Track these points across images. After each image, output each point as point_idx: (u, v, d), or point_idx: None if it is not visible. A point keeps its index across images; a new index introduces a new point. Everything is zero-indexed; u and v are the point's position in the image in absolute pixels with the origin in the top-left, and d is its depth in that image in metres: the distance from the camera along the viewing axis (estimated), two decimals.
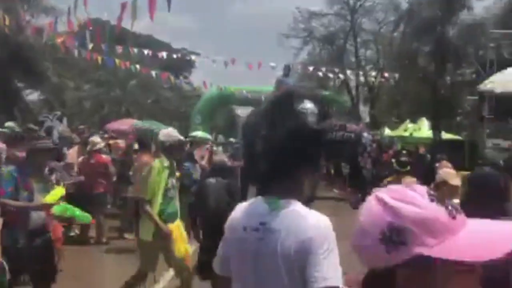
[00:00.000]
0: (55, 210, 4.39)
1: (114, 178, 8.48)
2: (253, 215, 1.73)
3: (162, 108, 24.60)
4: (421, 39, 18.10)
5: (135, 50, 13.95)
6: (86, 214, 6.15)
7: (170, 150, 4.75)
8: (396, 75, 18.90)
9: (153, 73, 15.22)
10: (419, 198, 0.90)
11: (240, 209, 1.81)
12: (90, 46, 12.07)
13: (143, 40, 26.41)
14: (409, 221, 0.87)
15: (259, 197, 1.76)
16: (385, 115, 27.21)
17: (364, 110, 27.82)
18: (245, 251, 1.72)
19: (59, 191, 4.22)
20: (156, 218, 4.47)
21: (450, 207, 0.89)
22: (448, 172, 4.60)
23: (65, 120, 10.39)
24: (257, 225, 1.70)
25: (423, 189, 0.93)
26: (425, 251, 0.86)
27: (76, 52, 12.69)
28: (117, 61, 13.71)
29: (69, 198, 5.43)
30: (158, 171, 4.57)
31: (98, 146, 8.11)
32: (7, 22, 9.90)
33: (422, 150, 14.98)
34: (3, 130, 8.94)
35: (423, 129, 18.55)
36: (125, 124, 15.64)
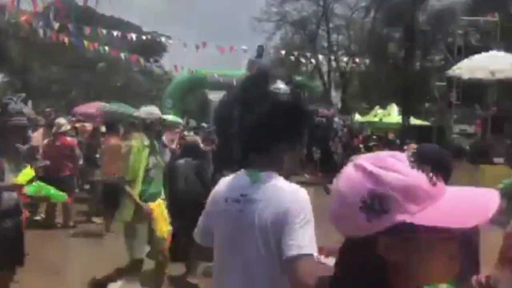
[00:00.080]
0: (29, 190, 4.23)
1: (81, 162, 8.31)
2: (235, 188, 1.77)
3: (132, 91, 24.19)
4: (391, 25, 18.25)
5: (104, 31, 13.59)
6: (61, 193, 6.01)
7: (151, 128, 4.57)
8: (367, 61, 19.03)
9: (122, 55, 14.87)
10: (400, 165, 0.88)
11: (223, 182, 1.85)
12: (56, 26, 11.69)
13: (113, 23, 25.82)
14: (391, 188, 0.85)
15: (242, 170, 1.81)
16: (356, 100, 27.49)
17: (336, 96, 28.04)
18: (226, 223, 1.76)
19: (30, 172, 4.03)
20: (136, 197, 4.34)
21: (430, 174, 0.88)
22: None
23: (30, 102, 10.09)
24: (238, 197, 1.74)
25: (403, 155, 0.91)
26: (407, 218, 0.84)
27: (41, 32, 12.28)
28: (85, 42, 13.34)
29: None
30: (138, 150, 4.42)
31: (63, 128, 7.91)
32: None
33: (391, 135, 15.21)
34: None
35: (393, 114, 18.83)
36: (94, 107, 15.32)
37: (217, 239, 1.82)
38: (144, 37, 14.79)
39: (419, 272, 0.87)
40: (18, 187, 3.85)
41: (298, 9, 26.51)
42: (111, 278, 4.59)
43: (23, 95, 4.32)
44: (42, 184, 5.05)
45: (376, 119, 18.87)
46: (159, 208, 4.47)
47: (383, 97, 21.54)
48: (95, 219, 8.24)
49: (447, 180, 0.91)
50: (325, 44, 26.81)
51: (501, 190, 2.83)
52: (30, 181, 4.02)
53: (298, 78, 18.64)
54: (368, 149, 6.09)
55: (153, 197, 4.47)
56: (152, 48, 30.69)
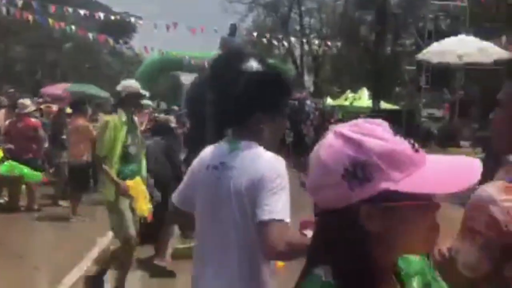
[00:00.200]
0: (2, 169, 4.06)
1: (46, 144, 8.09)
2: (216, 155, 1.83)
3: (101, 73, 23.66)
4: (363, 8, 18.30)
5: (70, 10, 13.17)
6: (36, 173, 5.84)
7: (126, 102, 4.32)
8: (339, 44, 19.09)
9: (90, 35, 14.48)
10: (383, 131, 0.85)
11: (207, 150, 1.89)
12: (20, 3, 11.25)
13: (80, 2, 25.08)
14: (375, 154, 0.81)
15: (225, 139, 1.85)
16: (328, 84, 27.62)
17: (308, 80, 28.10)
18: (206, 190, 1.81)
19: None
20: (113, 175, 4.15)
21: (411, 141, 0.85)
22: None
23: None
24: (217, 164, 1.79)
25: (384, 123, 0.87)
26: (391, 186, 0.81)
27: (4, 10, 11.82)
28: (50, 21, 12.92)
29: None
30: (115, 127, 4.19)
31: (27, 109, 7.66)
32: None
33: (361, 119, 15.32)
34: None
35: (363, 98, 19.00)
36: (61, 88, 14.91)
37: (198, 207, 1.86)
38: (112, 17, 14.40)
39: (400, 242, 0.85)
40: None
41: None
42: (106, 265, 4.38)
43: None
44: (14, 163, 4.86)
45: (347, 103, 19.01)
46: (138, 186, 4.27)
47: (354, 81, 21.70)
48: (61, 202, 8.06)
49: None
50: (297, 27, 26.76)
51: None
52: (1, 161, 3.87)
53: (271, 61, 18.53)
54: None
55: (132, 176, 4.28)
56: (123, 28, 30.06)
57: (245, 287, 1.77)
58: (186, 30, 14.67)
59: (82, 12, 13.20)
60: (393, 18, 18.00)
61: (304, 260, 0.92)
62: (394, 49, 20.61)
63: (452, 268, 1.26)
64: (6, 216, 7.16)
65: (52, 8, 13.05)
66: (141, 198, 4.28)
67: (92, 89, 13.87)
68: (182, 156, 7.32)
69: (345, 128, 0.87)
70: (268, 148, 1.81)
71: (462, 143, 9.50)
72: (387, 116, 15.28)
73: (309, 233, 1.70)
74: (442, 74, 13.72)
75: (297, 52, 26.08)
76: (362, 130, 0.85)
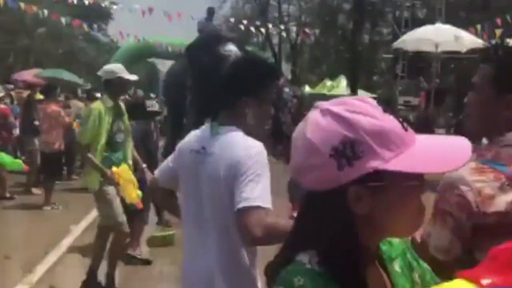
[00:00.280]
0: None
1: (17, 131, 7.88)
2: (198, 140, 1.83)
3: (76, 59, 23.17)
4: None
5: None
6: (17, 161, 5.71)
7: (111, 87, 4.16)
8: (317, 31, 19.09)
9: (63, 20, 14.10)
10: (372, 109, 0.81)
11: (192, 134, 1.89)
12: None
13: None
14: (365, 132, 0.78)
15: (209, 123, 1.84)
16: (306, 73, 27.64)
17: (286, 68, 28.05)
18: (188, 173, 1.82)
19: None
20: (97, 162, 4.02)
21: (400, 119, 0.82)
22: None
23: None
24: (199, 149, 1.79)
25: (371, 100, 0.84)
26: (381, 165, 0.78)
27: None
28: (22, 5, 12.51)
29: None
30: (99, 113, 4.03)
31: None
32: None
33: None
34: None
35: (341, 86, 19.05)
36: (34, 74, 14.54)
37: (181, 189, 1.88)
38: (86, 2, 14.04)
39: (387, 224, 0.82)
40: None
41: None
42: (113, 266, 4.25)
43: None
44: None
45: (325, 90, 19.05)
46: (124, 172, 4.12)
47: (332, 69, 21.76)
48: (34, 190, 7.90)
49: None
50: (276, 15, 26.62)
51: None
52: None
53: (249, 48, 18.44)
54: None
55: (118, 163, 4.14)
56: (99, 14, 29.44)
57: (224, 273, 1.76)
58: (163, 16, 14.42)
59: None
60: (371, 7, 18.05)
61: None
62: (371, 38, 20.72)
63: (424, 252, 1.25)
64: None
65: None
66: (129, 185, 4.14)
67: (64, 75, 13.54)
68: (161, 143, 7.25)
69: (332, 105, 0.82)
70: (253, 134, 1.79)
71: (437, 130, 9.62)
72: None
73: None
74: (418, 62, 13.87)
75: (275, 40, 25.98)
76: (350, 107, 0.81)
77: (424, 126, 9.79)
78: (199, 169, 1.78)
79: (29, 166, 8.05)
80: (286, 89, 14.55)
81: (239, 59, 1.83)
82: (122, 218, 4.11)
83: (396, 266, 0.92)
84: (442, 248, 1.28)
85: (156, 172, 1.99)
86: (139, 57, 21.25)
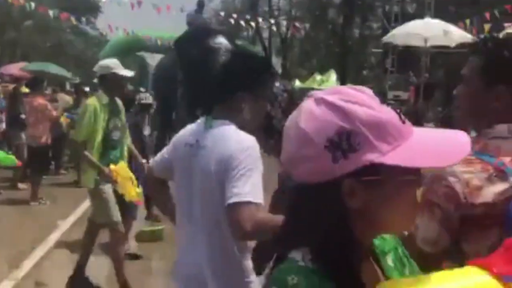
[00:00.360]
0: None
1: (3, 125, 7.78)
2: (193, 133, 1.83)
3: (64, 53, 22.92)
4: None
5: None
6: (10, 156, 5.64)
7: (107, 83, 4.03)
8: (307, 25, 19.06)
9: (51, 12, 13.91)
10: (368, 99, 0.78)
11: (187, 127, 1.90)
12: None
13: None
14: (361, 123, 0.75)
15: (203, 117, 1.85)
16: (296, 67, 27.62)
17: (276, 62, 28.01)
18: (182, 166, 1.82)
19: None
20: (94, 160, 3.92)
21: (398, 111, 0.79)
22: None
23: None
24: (193, 142, 1.80)
25: (368, 90, 0.81)
26: (377, 158, 0.75)
27: None
28: None
29: None
30: (95, 110, 3.91)
31: None
32: None
33: None
34: None
35: (331, 81, 19.06)
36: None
37: (175, 182, 1.88)
38: None
39: (381, 219, 0.79)
40: None
41: None
42: (121, 272, 4.11)
43: None
44: None
45: (315, 85, 19.06)
46: (122, 170, 4.01)
47: (322, 63, 21.77)
48: (20, 185, 7.82)
49: None
50: (266, 9, 26.54)
51: None
52: None
53: (239, 42, 18.37)
54: None
55: (116, 161, 4.04)
56: (88, 7, 29.15)
57: (214, 268, 1.76)
58: (152, 8, 14.28)
59: None
60: (361, 1, 18.05)
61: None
62: (361, 32, 20.75)
63: (411, 245, 1.24)
64: None
65: None
66: (128, 183, 4.03)
67: (51, 68, 13.38)
68: (147, 131, 7.22)
69: (326, 94, 0.78)
70: (247, 129, 1.79)
71: (426, 124, 9.66)
72: None
73: None
74: (408, 57, 13.91)
75: (266, 34, 25.94)
76: (345, 96, 0.77)
77: (413, 120, 9.82)
78: (192, 162, 1.78)
79: None
80: (276, 84, 14.50)
81: (237, 54, 1.85)
82: (118, 217, 4.02)
83: (389, 261, 0.90)
84: (430, 240, 1.27)
85: (152, 161, 2.02)
86: (128, 50, 21.06)
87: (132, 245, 5.06)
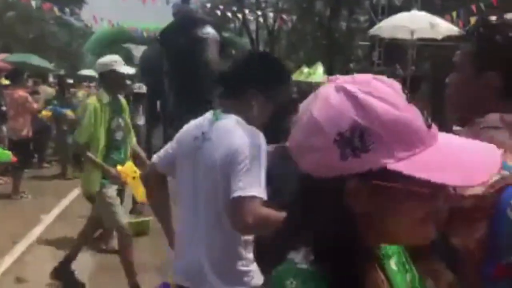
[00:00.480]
0: None
1: None
2: (199, 126, 1.85)
3: (47, 44, 22.57)
4: None
5: None
6: (6, 152, 5.52)
7: (108, 81, 3.87)
8: (294, 17, 19.00)
9: (33, 3, 13.65)
10: (395, 96, 0.69)
11: (195, 121, 1.91)
12: None
13: None
14: (379, 122, 0.67)
15: (211, 111, 1.86)
16: (283, 60, 27.55)
17: None
18: (187, 158, 1.83)
19: None
20: (99, 161, 3.77)
21: (425, 114, 0.70)
22: None
23: None
24: (199, 134, 1.81)
25: (397, 84, 0.72)
26: (390, 164, 0.67)
27: None
28: None
29: None
30: (95, 110, 3.77)
31: None
32: None
33: None
34: None
35: (318, 73, 19.06)
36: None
37: (178, 175, 1.88)
38: None
39: (382, 229, 0.72)
40: None
41: None
42: (132, 277, 3.93)
43: None
44: None
45: (302, 77, 19.04)
46: (129, 170, 3.86)
47: (309, 56, 21.74)
48: (0, 179, 7.69)
49: None
50: (253, 0, 26.37)
51: None
52: None
53: (226, 34, 18.25)
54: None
55: (121, 162, 3.90)
56: None
57: (214, 262, 1.78)
58: None
59: None
60: None
61: None
62: (348, 25, 20.72)
63: None
64: None
65: None
66: (137, 183, 3.77)
67: (33, 59, 13.14)
68: (141, 121, 7.16)
69: (349, 82, 0.71)
70: (253, 123, 1.80)
71: None
72: None
73: None
74: (395, 49, 13.93)
75: (253, 26, 25.79)
76: (369, 88, 0.69)
77: None
78: (197, 154, 1.79)
79: None
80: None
81: (255, 53, 1.90)
82: (123, 220, 3.91)
83: (393, 264, 0.84)
84: None
85: (155, 157, 1.98)
86: (113, 42, 20.86)
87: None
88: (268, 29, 26.47)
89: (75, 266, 4.16)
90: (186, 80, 8.50)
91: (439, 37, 9.85)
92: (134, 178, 3.81)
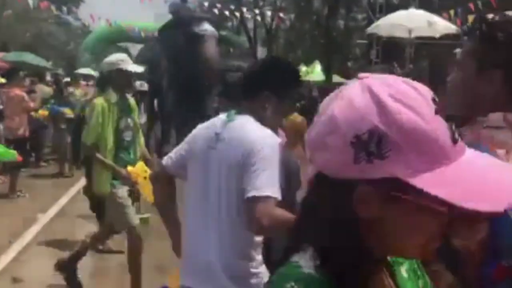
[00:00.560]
0: None
1: None
2: (212, 126, 1.87)
3: (46, 43, 22.50)
4: None
5: None
6: (11, 151, 5.50)
7: (115, 80, 3.76)
8: (292, 16, 18.97)
9: (30, 2, 13.59)
10: (423, 104, 0.65)
11: (204, 124, 1.93)
12: None
13: None
14: (400, 131, 0.63)
15: (225, 113, 1.89)
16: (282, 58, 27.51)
17: (262, 53, 27.88)
18: (199, 159, 1.84)
19: None
20: (109, 162, 3.69)
21: (453, 127, 0.66)
22: None
23: None
24: (212, 135, 1.82)
25: (429, 92, 0.67)
26: (405, 176, 0.63)
27: None
28: None
29: None
30: (102, 110, 3.68)
31: None
32: None
33: (314, 93, 15.40)
34: None
35: (316, 72, 19.05)
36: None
37: (190, 175, 1.88)
38: None
39: (389, 240, 0.69)
40: None
41: None
42: (137, 275, 3.84)
43: None
44: None
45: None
46: (141, 170, 3.75)
47: (307, 55, 21.73)
48: None
49: None
50: None
51: None
52: None
53: (224, 33, 18.22)
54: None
55: (132, 163, 3.82)
56: None
57: (226, 261, 1.78)
58: None
59: None
60: None
61: None
62: (346, 23, 20.70)
63: None
64: None
65: None
66: (148, 183, 3.50)
67: (30, 58, 13.09)
68: (143, 119, 7.15)
69: (377, 84, 0.67)
70: (266, 125, 1.83)
71: None
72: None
73: None
74: (392, 48, 13.92)
75: (250, 24, 25.73)
76: (397, 93, 0.65)
77: None
78: (210, 154, 1.80)
79: None
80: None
81: (269, 57, 1.96)
82: (134, 222, 3.81)
83: (403, 271, 0.80)
84: None
85: (165, 158, 1.98)
86: (111, 41, 20.81)
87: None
88: (266, 28, 26.42)
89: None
90: (185, 77, 8.49)
91: (437, 35, 9.84)
92: (145, 178, 3.68)
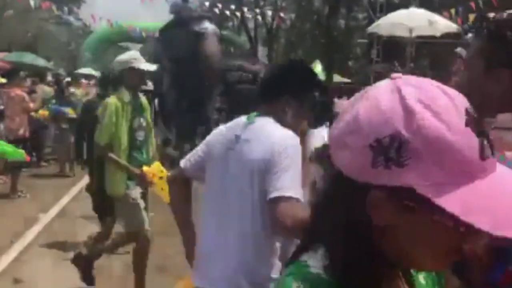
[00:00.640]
0: None
1: None
2: (233, 128, 1.87)
3: (47, 43, 22.49)
4: None
5: None
6: (20, 151, 5.50)
7: (128, 79, 3.70)
8: (293, 15, 18.95)
9: (32, 2, 13.59)
10: (454, 114, 0.61)
11: (223, 126, 1.94)
12: None
13: None
14: (424, 139, 0.60)
15: (243, 116, 1.89)
16: (282, 57, 27.49)
17: (262, 52, 27.86)
18: (218, 161, 1.83)
19: None
20: (123, 162, 3.63)
21: (485, 142, 0.62)
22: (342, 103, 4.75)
23: None
24: (232, 137, 1.82)
25: (464, 100, 0.64)
26: (421, 188, 0.60)
27: None
28: None
29: None
30: (116, 109, 3.61)
31: None
32: None
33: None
34: None
35: (316, 71, 19.00)
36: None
37: (208, 178, 1.88)
38: None
39: (399, 249, 0.66)
40: None
41: None
42: (142, 276, 3.80)
43: None
44: None
45: None
46: (157, 170, 3.70)
47: (308, 54, 21.71)
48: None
49: None
50: None
51: None
52: None
53: (224, 32, 18.20)
54: None
55: (147, 163, 3.78)
56: None
57: (247, 266, 1.77)
58: None
59: None
60: None
61: None
62: (347, 23, 20.68)
63: None
64: None
65: None
66: (164, 183, 3.49)
67: (31, 58, 13.09)
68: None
69: (408, 86, 0.64)
70: (287, 127, 1.83)
71: None
72: (340, 89, 15.47)
73: None
74: (393, 47, 13.89)
75: (251, 24, 25.71)
76: (427, 99, 0.62)
77: None
78: (229, 155, 1.80)
79: None
80: (262, 74, 14.37)
81: (289, 61, 2.01)
82: (146, 224, 3.75)
83: (421, 278, 0.78)
84: None
85: (183, 161, 1.98)
86: (112, 41, 20.82)
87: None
88: (267, 28, 26.40)
89: (72, 266, 4.12)
90: (186, 76, 8.48)
91: (438, 34, 9.82)
92: (161, 178, 3.66)
